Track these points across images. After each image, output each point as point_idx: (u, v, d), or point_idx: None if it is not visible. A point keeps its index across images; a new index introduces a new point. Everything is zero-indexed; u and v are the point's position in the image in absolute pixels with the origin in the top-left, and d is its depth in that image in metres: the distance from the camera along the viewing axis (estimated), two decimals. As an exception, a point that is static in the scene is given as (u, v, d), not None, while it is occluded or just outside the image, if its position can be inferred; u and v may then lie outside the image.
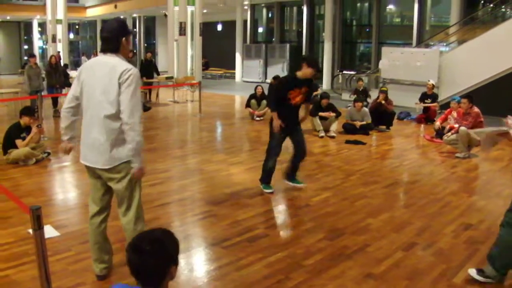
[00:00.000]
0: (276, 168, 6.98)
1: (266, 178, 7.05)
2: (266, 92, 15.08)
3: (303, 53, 25.39)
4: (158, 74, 19.14)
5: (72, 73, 17.59)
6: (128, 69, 3.78)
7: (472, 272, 4.46)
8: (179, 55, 22.45)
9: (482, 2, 19.73)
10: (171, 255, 2.34)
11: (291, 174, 7.17)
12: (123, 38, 3.91)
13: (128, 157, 3.88)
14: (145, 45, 38.49)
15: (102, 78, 3.82)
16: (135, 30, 37.83)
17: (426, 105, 13.92)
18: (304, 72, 6.68)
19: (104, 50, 3.92)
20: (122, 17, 36.83)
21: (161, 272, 2.31)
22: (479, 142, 9.46)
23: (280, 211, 6.40)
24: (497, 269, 4.31)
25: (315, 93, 16.26)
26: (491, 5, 18.00)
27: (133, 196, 4.05)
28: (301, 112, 7.01)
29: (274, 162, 6.94)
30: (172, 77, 20.52)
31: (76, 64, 35.81)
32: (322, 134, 11.45)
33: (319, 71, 7.01)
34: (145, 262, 2.26)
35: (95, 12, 38.52)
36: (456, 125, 9.84)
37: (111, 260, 4.40)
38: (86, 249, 4.75)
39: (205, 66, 29.43)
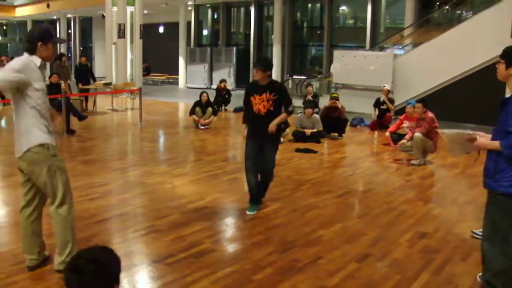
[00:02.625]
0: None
1: (250, 196, 6.91)
2: (211, 98, 15.16)
3: (251, 56, 25.57)
4: (94, 80, 18.90)
5: None
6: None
7: None
8: (118, 59, 22.26)
9: (438, 3, 20.32)
10: (112, 274, 2.32)
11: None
12: (39, 43, 4.51)
13: (33, 144, 4.44)
14: (81, 48, 37.95)
15: None
16: (64, 40, 37.11)
17: (388, 105, 14.19)
18: (255, 75, 6.63)
19: (24, 51, 4.58)
20: (55, 17, 36.33)
21: None
22: (435, 148, 9.80)
23: (227, 225, 6.45)
24: None
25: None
26: (447, 7, 18.58)
27: (55, 185, 4.52)
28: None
29: (250, 177, 6.77)
30: (110, 83, 20.29)
31: None
32: None
33: (264, 69, 6.54)
34: (84, 283, 2.23)
35: (25, 12, 37.79)
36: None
37: (42, 255, 4.81)
38: (17, 271, 4.73)
39: (146, 71, 29.26)
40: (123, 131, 14.05)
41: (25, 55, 4.51)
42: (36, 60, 4.47)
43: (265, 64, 6.62)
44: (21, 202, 4.72)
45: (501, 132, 4.04)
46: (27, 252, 4.75)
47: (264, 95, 6.53)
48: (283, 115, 6.68)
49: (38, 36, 4.53)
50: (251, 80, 22.43)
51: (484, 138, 4.28)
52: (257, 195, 6.88)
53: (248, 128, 6.84)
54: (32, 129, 4.45)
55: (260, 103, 6.57)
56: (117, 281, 2.34)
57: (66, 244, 4.57)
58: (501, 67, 4.18)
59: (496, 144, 4.06)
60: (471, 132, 4.30)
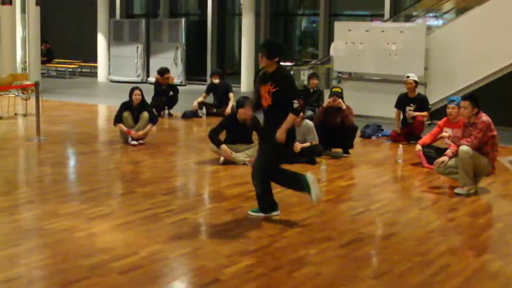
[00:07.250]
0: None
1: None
2: (148, 98, 15.14)
3: (208, 33, 25.58)
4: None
5: None
6: None
7: None
8: (1, 38, 22.18)
9: None
10: None
11: None
12: None
13: None
14: None
15: None
16: None
17: (416, 114, 14.16)
18: (259, 61, 7.83)
19: None
20: None
21: None
22: (492, 169, 9.78)
23: (174, 293, 6.45)
24: None
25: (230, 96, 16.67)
26: None
27: None
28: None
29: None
30: (-10, 76, 20.26)
31: None
32: (243, 158, 11.55)
33: (268, 55, 7.81)
34: None
35: None
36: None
37: None
38: None
39: (47, 56, 29.20)
40: (10, 150, 13.95)
41: None
42: None
43: (270, 49, 7.90)
44: None
45: None
46: None
47: (266, 85, 7.88)
48: (289, 118, 7.83)
49: None
50: (211, 69, 22.55)
51: None
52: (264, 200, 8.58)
53: None
54: None
55: (263, 95, 7.97)
56: None
57: None
58: None
59: None
60: None
